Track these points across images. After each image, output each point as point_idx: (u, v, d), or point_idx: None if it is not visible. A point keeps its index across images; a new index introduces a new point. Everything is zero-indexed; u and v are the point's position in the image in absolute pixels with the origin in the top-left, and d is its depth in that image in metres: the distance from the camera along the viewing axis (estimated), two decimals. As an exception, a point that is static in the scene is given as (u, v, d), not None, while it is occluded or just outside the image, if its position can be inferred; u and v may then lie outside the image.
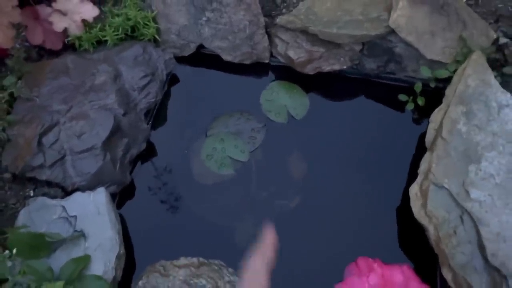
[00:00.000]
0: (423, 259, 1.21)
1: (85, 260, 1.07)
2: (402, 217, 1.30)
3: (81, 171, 1.21)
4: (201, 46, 1.52)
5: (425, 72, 1.41)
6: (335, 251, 1.27)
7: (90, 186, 1.21)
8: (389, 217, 1.31)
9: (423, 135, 1.32)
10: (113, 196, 1.26)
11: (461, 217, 1.12)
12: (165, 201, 1.36)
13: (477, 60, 1.32)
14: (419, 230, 1.18)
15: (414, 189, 1.21)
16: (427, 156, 1.25)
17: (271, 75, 1.55)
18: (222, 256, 1.19)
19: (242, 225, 1.32)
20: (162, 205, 1.35)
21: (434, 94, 1.41)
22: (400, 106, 1.47)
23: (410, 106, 1.45)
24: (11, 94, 1.32)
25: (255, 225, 1.32)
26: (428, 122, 1.32)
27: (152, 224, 1.31)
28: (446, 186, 1.15)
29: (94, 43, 1.44)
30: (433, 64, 1.41)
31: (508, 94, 1.25)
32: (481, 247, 1.07)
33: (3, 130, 1.24)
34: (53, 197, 1.20)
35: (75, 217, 1.14)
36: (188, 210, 1.34)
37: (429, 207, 1.14)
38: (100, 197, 1.17)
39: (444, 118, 1.24)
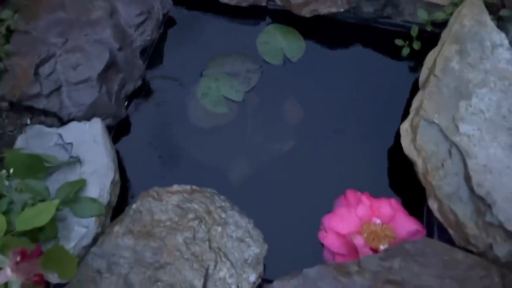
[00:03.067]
0: (411, 194, 1.23)
1: (81, 183, 1.09)
2: (393, 156, 1.32)
3: (77, 102, 1.22)
4: (198, -12, 1.52)
5: (422, 15, 1.40)
6: (326, 188, 1.29)
7: (86, 117, 1.22)
8: (380, 156, 1.33)
9: (417, 80, 1.32)
10: (109, 129, 1.27)
11: (449, 151, 1.14)
12: (160, 139, 1.38)
13: (474, 1, 1.31)
14: (408, 167, 1.20)
15: (405, 126, 1.23)
16: (419, 94, 1.26)
17: (267, 18, 1.53)
18: (214, 188, 1.22)
19: (236, 166, 1.35)
20: (157, 143, 1.37)
21: (430, 38, 1.39)
22: (396, 51, 1.46)
23: (406, 51, 1.44)
24: (8, 28, 1.33)
25: (249, 167, 1.35)
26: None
27: (147, 160, 1.34)
28: (436, 121, 1.16)
29: (91, -20, 1.43)
30: (430, 7, 1.40)
31: (503, 34, 1.25)
32: (467, 178, 1.10)
33: (0, 60, 1.25)
34: (50, 126, 1.22)
35: (71, 144, 1.16)
36: (182, 151, 1.35)
37: (418, 141, 1.16)
38: (96, 127, 1.19)
39: (438, 56, 1.25)
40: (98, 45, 1.28)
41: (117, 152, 1.28)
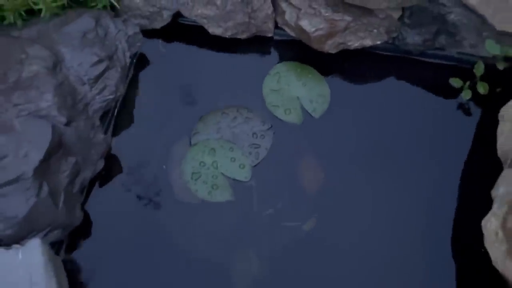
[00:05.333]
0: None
1: None
2: (459, 254, 1.02)
3: (4, 215, 0.88)
4: (178, 15, 1.22)
5: (492, 49, 1.12)
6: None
7: (18, 237, 0.89)
8: (438, 251, 1.03)
9: (485, 136, 1.08)
10: (57, 245, 0.95)
11: None
12: (135, 235, 1.07)
13: None
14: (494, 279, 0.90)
15: (492, 225, 0.88)
16: (508, 175, 0.90)
17: (275, 54, 1.24)
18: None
19: (241, 259, 1.05)
20: (131, 242, 1.06)
21: (502, 79, 1.14)
22: (451, 95, 1.18)
23: (466, 95, 1.17)
24: None
25: (259, 259, 1.04)
26: (498, 120, 1.03)
27: (119, 270, 1.03)
28: (546, 225, 0.80)
29: (23, 13, 1.10)
30: (503, 37, 1.10)
31: None
32: None
33: None
34: (-38, 256, 0.86)
35: (-7, 292, 0.79)
36: (167, 243, 1.07)
37: (522, 257, 0.80)
38: (33, 256, 0.84)
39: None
40: (35, 121, 0.96)
41: (74, 265, 0.98)
